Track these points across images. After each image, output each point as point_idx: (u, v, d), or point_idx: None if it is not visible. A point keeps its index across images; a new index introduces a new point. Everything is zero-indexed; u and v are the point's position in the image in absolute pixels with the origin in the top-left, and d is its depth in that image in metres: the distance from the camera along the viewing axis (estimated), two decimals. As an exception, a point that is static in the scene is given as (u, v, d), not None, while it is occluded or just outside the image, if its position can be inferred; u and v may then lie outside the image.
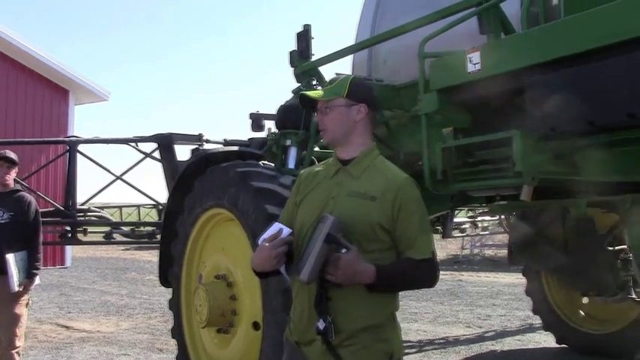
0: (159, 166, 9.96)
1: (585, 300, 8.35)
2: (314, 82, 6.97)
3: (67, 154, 10.44)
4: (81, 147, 10.23)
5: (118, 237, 10.97)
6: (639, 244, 7.11)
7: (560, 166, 4.71)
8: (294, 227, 3.16)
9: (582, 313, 8.83)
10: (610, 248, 7.19)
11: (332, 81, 3.33)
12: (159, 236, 7.68)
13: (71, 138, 11.63)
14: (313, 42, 7.06)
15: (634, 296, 7.12)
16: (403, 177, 3.13)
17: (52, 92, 21.32)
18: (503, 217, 8.56)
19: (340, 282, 2.87)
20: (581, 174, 4.81)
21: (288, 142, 6.86)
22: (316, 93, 3.27)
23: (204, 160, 6.60)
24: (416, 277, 3.10)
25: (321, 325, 2.88)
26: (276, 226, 3.10)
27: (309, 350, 3.04)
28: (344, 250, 2.85)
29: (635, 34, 3.61)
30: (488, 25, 4.75)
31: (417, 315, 12.07)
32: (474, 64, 4.50)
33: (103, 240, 10.65)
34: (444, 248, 24.88)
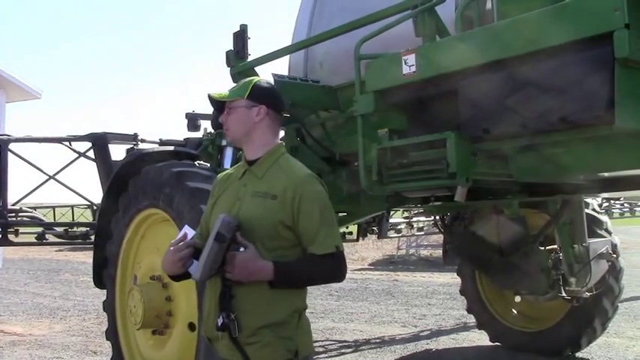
0: (93, 165, 9.81)
1: (518, 299, 8.48)
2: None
3: (-2, 152, 10.20)
4: (12, 146, 10.00)
5: (51, 238, 10.77)
6: (569, 244, 7.31)
7: (493, 168, 4.79)
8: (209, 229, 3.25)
9: (515, 311, 8.97)
10: (541, 248, 7.34)
11: (240, 83, 3.42)
12: (93, 237, 7.58)
13: (2, 136, 11.34)
14: (250, 42, 7.04)
15: (564, 294, 7.28)
16: (304, 173, 3.22)
17: (-18, 89, 20.75)
18: (438, 217, 8.65)
19: (238, 279, 2.97)
20: (514, 175, 4.90)
21: (224, 142, 6.86)
22: (220, 94, 3.35)
23: (139, 160, 6.53)
24: (319, 272, 3.18)
25: (219, 321, 2.99)
26: (183, 230, 3.25)
27: (218, 346, 3.14)
28: (242, 249, 2.97)
29: (564, 41, 3.70)
30: (423, 27, 4.80)
31: (352, 315, 12.12)
32: (409, 65, 4.54)
33: (36, 241, 10.44)
34: (379, 249, 25.07)
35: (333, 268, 3.18)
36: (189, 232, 3.21)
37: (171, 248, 3.14)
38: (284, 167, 3.23)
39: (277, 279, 3.01)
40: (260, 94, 3.29)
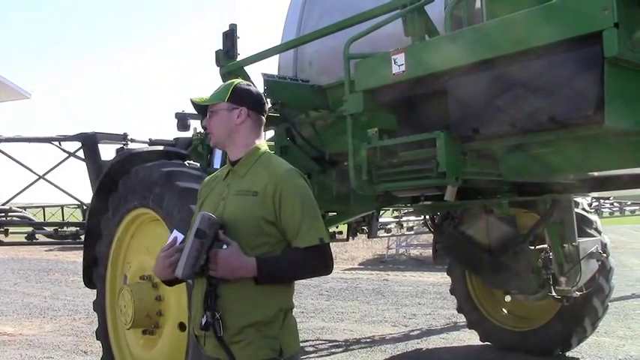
0: (83, 165, 9.79)
1: (508, 298, 8.50)
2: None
3: (-13, 153, 10.16)
4: (2, 146, 9.97)
5: (41, 237, 10.74)
6: (559, 243, 7.32)
7: (483, 167, 4.79)
8: None
9: (505, 311, 8.98)
10: (531, 247, 7.35)
11: (221, 86, 3.45)
12: (83, 237, 7.57)
13: (-9, 136, 11.32)
14: (239, 41, 7.03)
15: (554, 294, 7.29)
16: (284, 169, 3.24)
17: (-30, 89, 20.63)
18: (427, 217, 8.66)
19: (222, 277, 2.99)
20: (504, 175, 4.90)
21: (213, 142, 6.85)
22: (201, 98, 3.39)
23: (128, 160, 6.53)
24: (303, 265, 3.18)
25: (203, 321, 3.03)
26: (173, 235, 3.27)
27: (205, 344, 3.16)
28: (225, 246, 2.99)
29: (553, 40, 3.70)
30: (412, 27, 4.80)
31: (343, 314, 12.12)
32: (399, 65, 4.54)
33: (26, 241, 10.42)
34: (369, 248, 25.07)
35: (317, 261, 3.18)
36: (178, 236, 3.23)
37: (162, 254, 3.16)
38: (265, 164, 3.25)
39: (261, 274, 3.02)
40: (241, 97, 3.32)
